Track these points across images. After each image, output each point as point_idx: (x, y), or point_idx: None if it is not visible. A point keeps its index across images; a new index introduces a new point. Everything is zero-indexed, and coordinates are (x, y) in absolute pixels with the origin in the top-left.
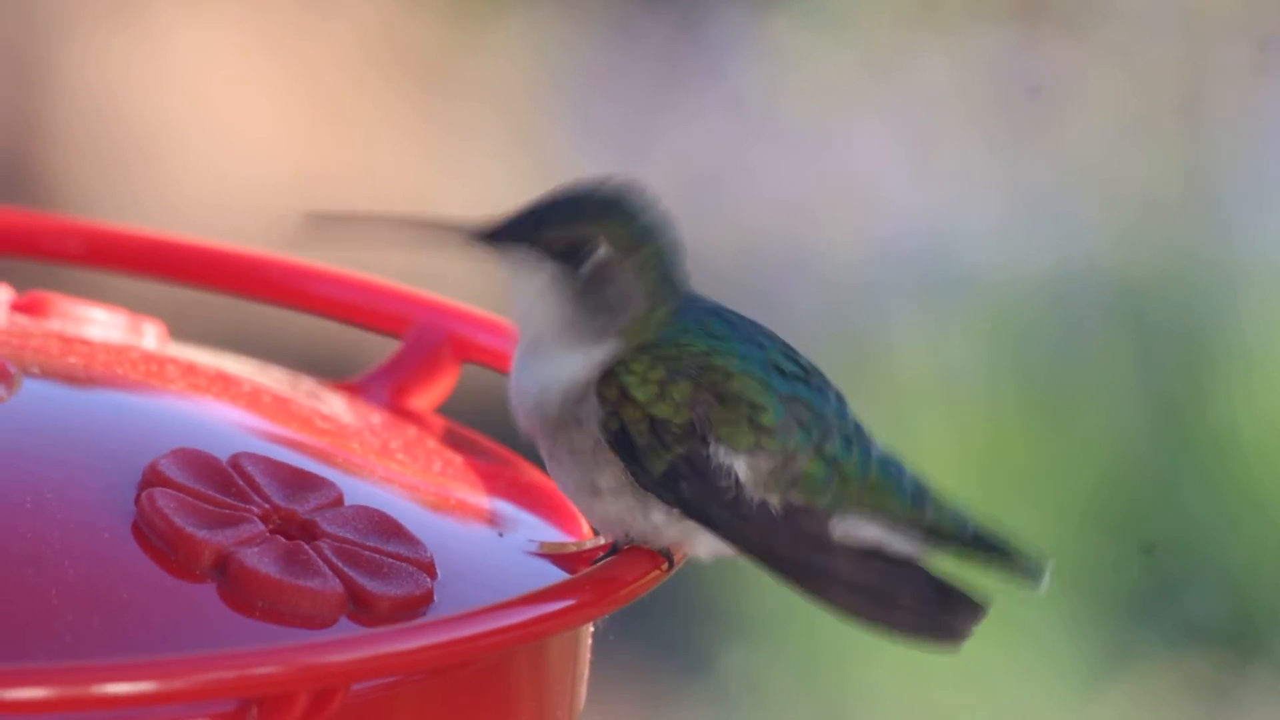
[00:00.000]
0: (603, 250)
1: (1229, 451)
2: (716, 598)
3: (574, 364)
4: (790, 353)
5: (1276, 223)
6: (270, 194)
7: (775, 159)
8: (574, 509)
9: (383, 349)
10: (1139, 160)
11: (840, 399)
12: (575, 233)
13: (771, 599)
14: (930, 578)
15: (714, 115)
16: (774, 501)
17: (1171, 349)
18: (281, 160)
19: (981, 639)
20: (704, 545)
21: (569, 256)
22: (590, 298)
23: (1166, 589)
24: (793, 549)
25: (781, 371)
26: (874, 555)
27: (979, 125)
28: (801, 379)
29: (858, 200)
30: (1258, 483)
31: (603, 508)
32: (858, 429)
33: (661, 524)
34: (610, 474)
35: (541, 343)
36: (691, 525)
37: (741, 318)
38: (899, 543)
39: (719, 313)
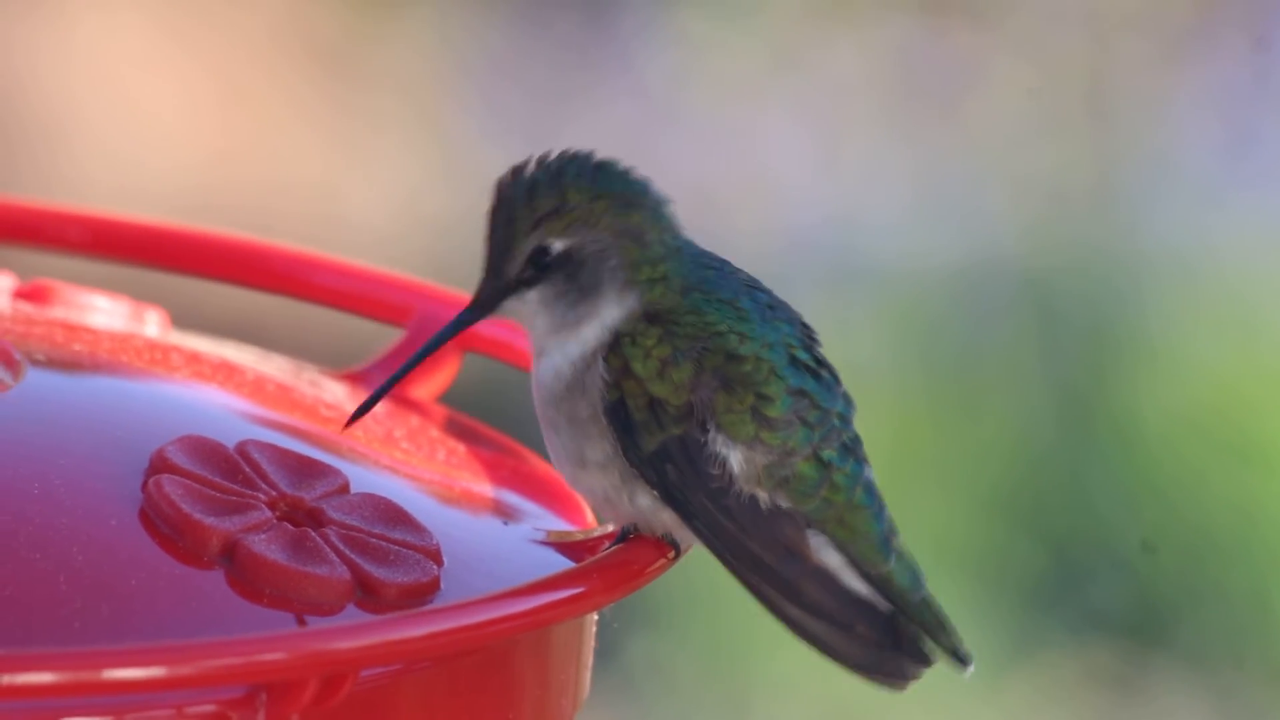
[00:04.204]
0: (554, 247)
1: (1133, 442)
2: None
3: (576, 347)
4: (809, 342)
5: (1181, 216)
6: (177, 179)
7: (682, 148)
8: (578, 499)
9: (385, 338)
10: (1045, 152)
11: (848, 401)
12: (521, 250)
13: (677, 588)
14: (887, 616)
15: (621, 104)
16: (761, 499)
17: (1077, 340)
18: (188, 145)
19: None
20: (682, 537)
21: (534, 274)
22: (569, 292)
23: (1070, 578)
24: (766, 553)
25: (795, 361)
26: (836, 580)
27: (886, 116)
28: (813, 372)
29: (765, 190)
30: (1161, 473)
31: (588, 480)
32: (856, 441)
33: (646, 508)
34: (601, 447)
35: (545, 348)
36: (670, 515)
37: (771, 296)
38: (854, 581)
39: (751, 288)
